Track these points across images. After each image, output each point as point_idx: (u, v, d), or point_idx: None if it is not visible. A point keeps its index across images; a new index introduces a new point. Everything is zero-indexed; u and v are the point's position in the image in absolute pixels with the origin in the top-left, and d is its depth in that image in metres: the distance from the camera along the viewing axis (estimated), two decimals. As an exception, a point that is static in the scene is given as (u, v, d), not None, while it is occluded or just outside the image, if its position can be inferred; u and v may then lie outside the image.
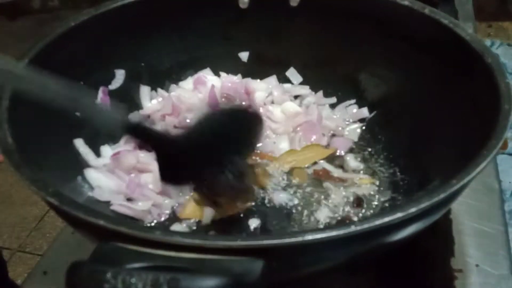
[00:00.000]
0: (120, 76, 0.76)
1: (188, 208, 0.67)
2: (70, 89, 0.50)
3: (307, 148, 0.75)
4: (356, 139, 0.78)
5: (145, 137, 0.58)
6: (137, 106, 0.80)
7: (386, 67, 0.75)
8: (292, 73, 0.85)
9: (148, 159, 0.71)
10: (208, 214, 0.66)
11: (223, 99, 0.82)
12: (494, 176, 0.72)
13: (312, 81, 0.84)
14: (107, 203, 0.66)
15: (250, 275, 0.38)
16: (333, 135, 0.78)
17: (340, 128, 0.79)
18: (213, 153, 0.57)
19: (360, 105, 0.80)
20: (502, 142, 0.47)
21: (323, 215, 0.65)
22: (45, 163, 0.55)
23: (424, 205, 0.42)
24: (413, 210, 0.42)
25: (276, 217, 0.66)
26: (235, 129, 0.60)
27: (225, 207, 0.66)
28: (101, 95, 0.74)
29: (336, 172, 0.72)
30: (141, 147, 0.74)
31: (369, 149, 0.76)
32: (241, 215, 0.66)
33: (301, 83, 0.85)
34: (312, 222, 0.64)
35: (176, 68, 0.83)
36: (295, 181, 0.71)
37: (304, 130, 0.77)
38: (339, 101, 0.82)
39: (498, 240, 0.64)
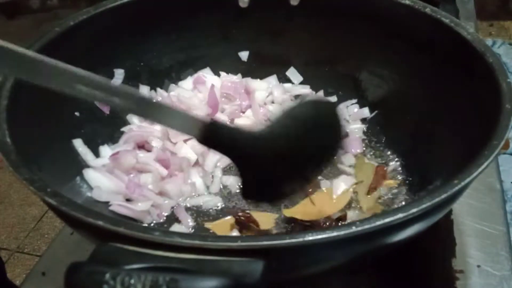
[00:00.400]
0: (119, 75, 0.76)
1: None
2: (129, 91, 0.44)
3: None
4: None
5: (224, 141, 0.48)
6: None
7: (387, 66, 0.75)
8: (292, 73, 0.85)
9: (147, 159, 0.70)
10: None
11: (223, 99, 0.81)
12: (495, 176, 0.71)
13: (313, 80, 0.84)
14: (106, 204, 0.66)
15: (250, 276, 0.38)
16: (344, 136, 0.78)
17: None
18: (299, 160, 0.50)
19: (361, 104, 0.80)
20: (503, 142, 0.47)
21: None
22: (44, 163, 0.55)
23: (425, 205, 0.42)
24: (414, 210, 0.41)
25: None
26: (321, 128, 0.52)
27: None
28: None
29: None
30: (140, 147, 0.74)
31: (370, 149, 0.75)
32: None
33: (301, 83, 0.85)
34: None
35: (175, 67, 0.83)
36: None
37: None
38: (340, 101, 0.82)
39: (499, 240, 0.63)
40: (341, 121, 0.52)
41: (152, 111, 0.45)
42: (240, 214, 0.64)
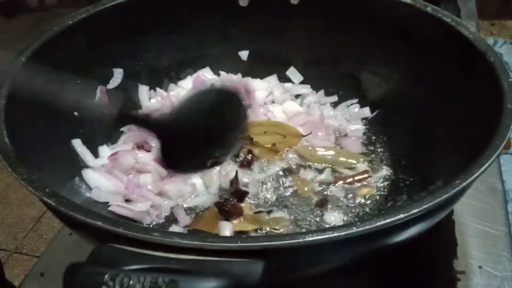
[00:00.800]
0: (118, 75, 0.76)
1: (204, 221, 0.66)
2: (68, 87, 0.51)
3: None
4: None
5: (140, 124, 0.59)
6: (135, 105, 0.79)
7: (387, 66, 0.75)
8: (292, 72, 0.84)
9: (147, 160, 0.70)
10: (225, 227, 0.64)
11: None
12: (497, 177, 0.71)
13: (313, 80, 0.84)
14: (105, 204, 0.65)
15: (250, 276, 0.38)
16: (344, 135, 0.78)
17: (342, 127, 0.78)
18: (206, 135, 0.58)
19: (362, 104, 0.80)
20: (505, 142, 0.47)
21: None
22: (42, 163, 0.55)
23: (426, 205, 0.42)
24: (415, 211, 0.41)
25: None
26: (224, 110, 0.60)
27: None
28: (99, 94, 0.73)
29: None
30: (139, 147, 0.73)
31: (371, 149, 0.75)
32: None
33: (301, 82, 0.85)
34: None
35: (175, 67, 0.82)
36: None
37: (308, 130, 0.77)
38: (340, 101, 0.82)
39: (501, 241, 0.63)
40: (243, 106, 0.60)
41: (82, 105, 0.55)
42: (223, 202, 0.67)
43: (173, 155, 0.58)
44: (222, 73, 0.84)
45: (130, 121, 0.61)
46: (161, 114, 0.60)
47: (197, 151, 0.58)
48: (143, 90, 0.80)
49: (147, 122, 0.58)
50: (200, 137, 0.57)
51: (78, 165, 0.68)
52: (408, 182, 0.68)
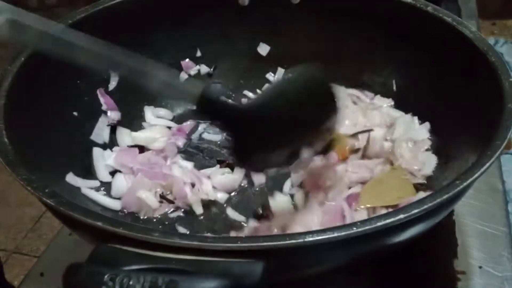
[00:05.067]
0: (116, 76, 0.76)
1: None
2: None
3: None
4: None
5: (218, 110, 0.51)
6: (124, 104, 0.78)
7: (388, 66, 0.75)
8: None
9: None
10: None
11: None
12: (498, 177, 0.71)
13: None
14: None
15: (250, 277, 0.38)
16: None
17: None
18: (289, 128, 0.52)
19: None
20: (506, 142, 0.47)
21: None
22: (42, 163, 0.55)
23: (426, 206, 0.42)
24: (415, 211, 0.41)
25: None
26: (310, 100, 0.54)
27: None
28: (101, 97, 0.73)
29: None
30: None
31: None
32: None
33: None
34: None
35: (174, 66, 0.82)
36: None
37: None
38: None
39: (501, 241, 0.63)
40: (335, 98, 0.54)
41: (151, 74, 0.49)
42: None
43: (249, 148, 0.52)
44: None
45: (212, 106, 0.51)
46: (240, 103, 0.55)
47: (277, 146, 0.53)
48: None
49: (228, 111, 0.51)
50: (282, 130, 0.52)
51: (78, 165, 0.68)
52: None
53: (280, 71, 0.84)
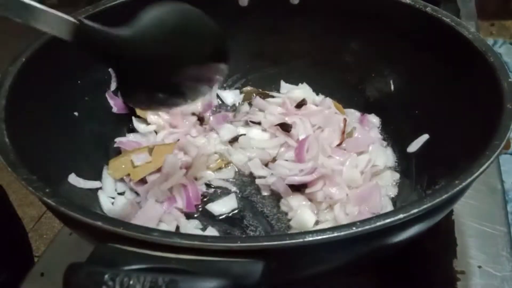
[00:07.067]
0: (117, 75, 0.76)
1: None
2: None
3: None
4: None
5: (96, 42, 0.48)
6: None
7: (387, 66, 0.75)
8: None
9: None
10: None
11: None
12: (497, 177, 0.72)
13: (313, 80, 0.84)
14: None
15: (250, 276, 0.38)
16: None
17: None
18: (172, 60, 0.51)
19: (361, 104, 0.80)
20: (505, 142, 0.47)
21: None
22: (43, 163, 0.55)
23: (426, 205, 0.42)
24: (415, 211, 0.41)
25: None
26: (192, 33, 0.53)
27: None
28: (110, 100, 0.74)
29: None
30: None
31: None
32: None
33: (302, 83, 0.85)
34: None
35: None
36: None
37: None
38: (340, 101, 0.82)
39: (500, 241, 0.63)
40: (216, 30, 0.55)
41: (20, 10, 0.44)
42: None
43: (132, 83, 0.50)
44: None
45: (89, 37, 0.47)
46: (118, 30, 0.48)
47: (163, 80, 0.51)
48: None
49: (106, 40, 0.48)
50: (167, 62, 0.50)
51: (79, 165, 0.68)
52: (407, 183, 0.68)
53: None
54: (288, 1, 0.74)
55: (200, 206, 0.69)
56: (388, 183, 0.68)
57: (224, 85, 0.85)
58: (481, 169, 0.45)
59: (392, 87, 0.75)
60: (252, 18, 0.78)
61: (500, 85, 0.53)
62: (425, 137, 0.68)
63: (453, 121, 0.63)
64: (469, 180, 0.44)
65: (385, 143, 0.75)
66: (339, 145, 0.73)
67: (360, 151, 0.72)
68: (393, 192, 0.68)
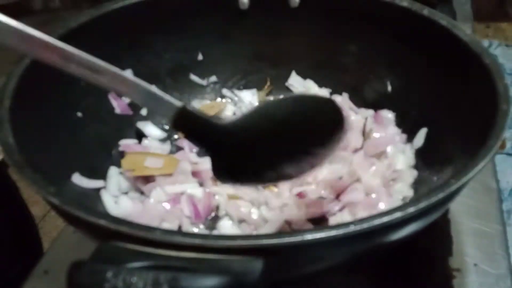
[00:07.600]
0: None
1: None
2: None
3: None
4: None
5: (192, 126, 0.49)
6: (137, 108, 0.79)
7: (384, 68, 0.75)
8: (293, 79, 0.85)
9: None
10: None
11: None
12: (492, 176, 0.72)
13: (313, 81, 0.84)
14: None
15: (250, 274, 0.38)
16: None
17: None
18: (277, 147, 0.50)
19: (359, 105, 0.80)
20: (500, 142, 0.48)
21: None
22: (47, 162, 0.55)
23: (422, 205, 0.42)
24: (412, 210, 0.42)
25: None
26: (306, 119, 0.51)
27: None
28: (113, 101, 0.74)
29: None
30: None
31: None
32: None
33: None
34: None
35: (176, 70, 0.83)
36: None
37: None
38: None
39: (496, 239, 0.64)
40: (341, 120, 0.52)
41: (128, 88, 0.47)
42: None
43: (229, 166, 0.50)
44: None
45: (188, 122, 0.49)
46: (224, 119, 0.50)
47: (261, 164, 0.51)
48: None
49: (204, 126, 0.48)
50: (269, 147, 0.50)
51: (83, 165, 0.68)
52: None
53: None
54: (288, 5, 0.75)
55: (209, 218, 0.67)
56: (408, 182, 0.66)
57: (224, 85, 0.86)
58: (477, 169, 0.45)
59: (389, 88, 0.76)
60: (252, 20, 0.78)
61: (496, 86, 0.54)
62: (424, 130, 0.68)
63: (449, 122, 0.63)
64: (465, 179, 0.45)
65: (404, 136, 0.71)
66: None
67: (380, 151, 0.69)
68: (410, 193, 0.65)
